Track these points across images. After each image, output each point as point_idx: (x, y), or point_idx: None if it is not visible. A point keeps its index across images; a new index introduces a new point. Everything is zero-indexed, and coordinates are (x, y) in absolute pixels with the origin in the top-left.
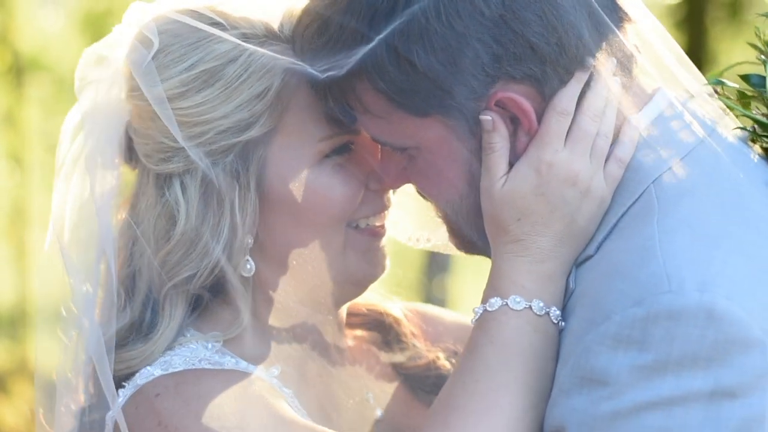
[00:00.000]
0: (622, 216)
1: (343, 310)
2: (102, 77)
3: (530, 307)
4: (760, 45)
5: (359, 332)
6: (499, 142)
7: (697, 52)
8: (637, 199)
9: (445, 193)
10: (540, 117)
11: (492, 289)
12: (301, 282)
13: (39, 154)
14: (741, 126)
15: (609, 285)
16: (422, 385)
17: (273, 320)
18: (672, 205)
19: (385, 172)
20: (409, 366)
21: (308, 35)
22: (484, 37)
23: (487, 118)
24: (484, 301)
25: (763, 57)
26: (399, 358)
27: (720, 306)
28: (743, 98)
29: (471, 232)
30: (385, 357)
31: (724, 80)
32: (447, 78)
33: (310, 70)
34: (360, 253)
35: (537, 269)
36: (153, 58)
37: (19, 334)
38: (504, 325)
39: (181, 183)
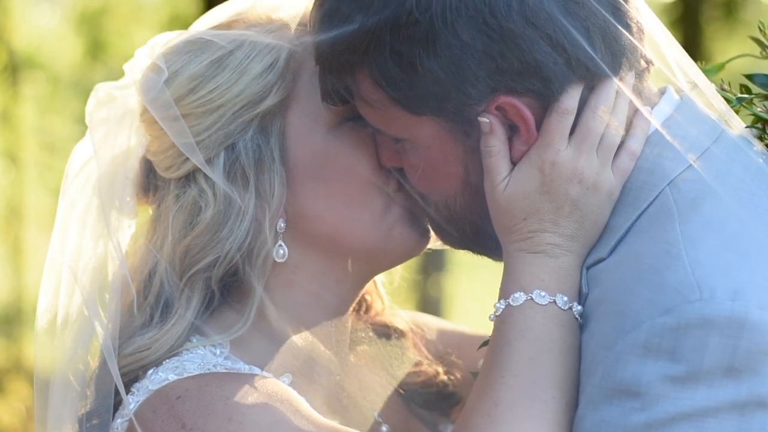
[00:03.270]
0: (637, 219)
1: (349, 318)
2: (111, 116)
3: (554, 302)
4: (763, 39)
5: (363, 347)
6: (496, 145)
7: (693, 51)
8: (652, 202)
9: (438, 189)
10: (540, 126)
11: (512, 284)
12: (336, 259)
13: (34, 152)
14: (748, 125)
15: (633, 291)
16: (420, 400)
17: (284, 324)
18: (692, 209)
19: (380, 150)
20: (410, 382)
21: (317, 20)
22: (489, 50)
23: (485, 120)
24: (505, 296)
25: None
26: (401, 373)
27: (753, 315)
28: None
29: (464, 228)
30: (388, 372)
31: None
32: (447, 84)
33: (312, 41)
34: (403, 217)
35: (553, 264)
36: (159, 75)
37: (15, 332)
38: (531, 319)
39: (204, 174)
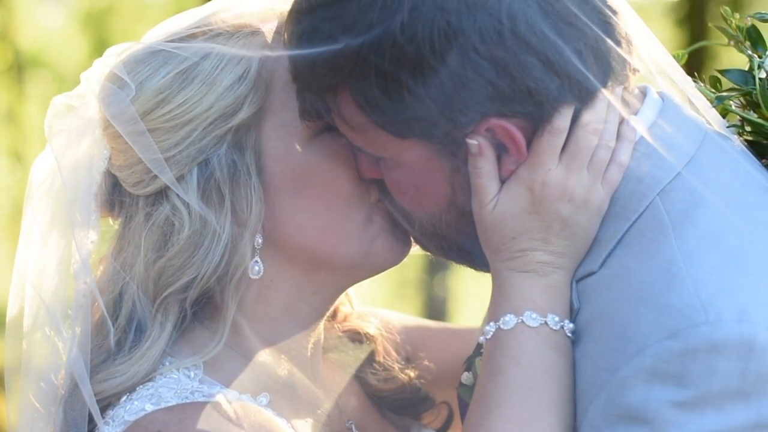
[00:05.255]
0: (628, 230)
1: (321, 326)
2: (71, 127)
3: (546, 323)
4: (729, 29)
5: (335, 354)
6: (485, 166)
7: (698, 50)
8: (642, 213)
9: (422, 206)
10: (530, 144)
11: (502, 305)
12: (314, 272)
13: (39, 151)
14: (732, 124)
15: (635, 312)
16: (392, 406)
17: (258, 341)
18: (686, 221)
19: (359, 162)
20: (382, 388)
21: (294, 36)
22: (479, 78)
23: (473, 142)
24: (495, 318)
25: (749, 52)
26: (373, 379)
27: (761, 337)
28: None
29: (448, 243)
30: (360, 378)
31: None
32: (434, 111)
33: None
34: (385, 228)
35: (543, 283)
36: (122, 88)
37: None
38: (524, 344)
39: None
